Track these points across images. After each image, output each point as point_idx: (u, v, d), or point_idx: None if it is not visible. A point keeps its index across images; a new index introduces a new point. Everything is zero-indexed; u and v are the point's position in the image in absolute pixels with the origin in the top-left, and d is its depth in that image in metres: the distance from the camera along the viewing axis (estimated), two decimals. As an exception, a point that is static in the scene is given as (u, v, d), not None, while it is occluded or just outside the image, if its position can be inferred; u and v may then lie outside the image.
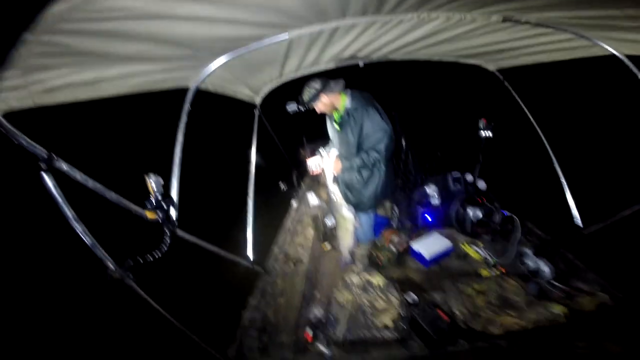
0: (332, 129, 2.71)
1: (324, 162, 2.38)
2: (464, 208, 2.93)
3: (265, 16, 1.40)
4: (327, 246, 3.51)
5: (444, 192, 3.28)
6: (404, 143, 3.13)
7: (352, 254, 2.80)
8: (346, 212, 2.43)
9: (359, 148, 2.44)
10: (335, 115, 2.55)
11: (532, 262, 2.61)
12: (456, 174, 3.31)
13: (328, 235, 3.21)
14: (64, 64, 1.11)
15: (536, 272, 2.58)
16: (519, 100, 2.96)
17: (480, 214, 2.82)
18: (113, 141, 7.47)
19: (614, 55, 1.98)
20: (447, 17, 1.78)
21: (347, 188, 2.69)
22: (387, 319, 2.20)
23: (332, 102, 2.44)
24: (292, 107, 2.45)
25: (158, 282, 1.87)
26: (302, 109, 2.45)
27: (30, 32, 0.86)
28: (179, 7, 1.07)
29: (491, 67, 2.99)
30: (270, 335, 2.15)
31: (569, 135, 4.84)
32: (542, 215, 3.09)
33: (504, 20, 1.80)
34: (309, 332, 2.31)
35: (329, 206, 2.77)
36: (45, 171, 1.11)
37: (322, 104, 2.44)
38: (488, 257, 3.06)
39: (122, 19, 1.01)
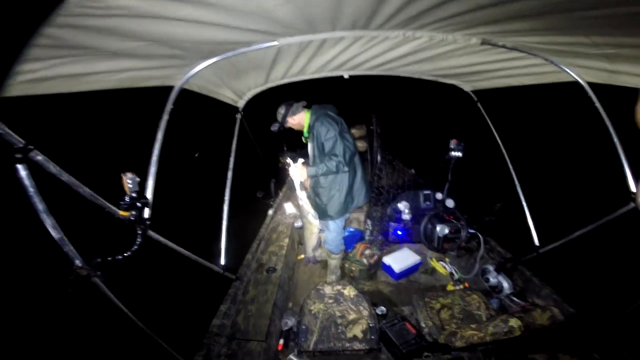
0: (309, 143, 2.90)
1: (292, 170, 2.54)
2: (433, 224, 3.04)
3: (257, 23, 1.42)
4: (302, 256, 3.53)
5: (414, 209, 3.40)
6: (379, 158, 3.22)
7: (314, 253, 3.18)
8: (312, 218, 2.67)
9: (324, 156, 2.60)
10: (304, 131, 2.82)
11: (493, 277, 2.75)
12: (427, 192, 3.45)
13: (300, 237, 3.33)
14: (55, 55, 1.09)
15: (496, 288, 2.73)
16: (489, 122, 3.13)
17: (447, 231, 2.95)
18: (92, 135, 7.14)
19: (577, 82, 2.13)
20: (430, 37, 1.87)
21: (315, 194, 2.80)
22: (357, 330, 2.23)
23: (299, 121, 2.78)
24: (274, 128, 2.82)
25: (126, 283, 1.79)
26: (281, 129, 2.83)
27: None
28: (176, 9, 1.08)
29: (466, 87, 3.15)
30: (240, 343, 2.10)
31: (532, 159, 5.19)
32: (503, 234, 3.25)
33: (482, 43, 1.92)
34: (281, 341, 2.32)
35: (297, 209, 2.89)
36: (20, 161, 1.07)
37: (291, 125, 2.82)
38: (454, 272, 3.21)
39: (123, 16, 1.01)
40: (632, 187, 2.02)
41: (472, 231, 3.00)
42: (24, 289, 3.86)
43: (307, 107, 2.80)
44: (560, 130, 7.10)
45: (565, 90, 2.29)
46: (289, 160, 2.61)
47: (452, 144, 3.06)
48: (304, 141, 2.87)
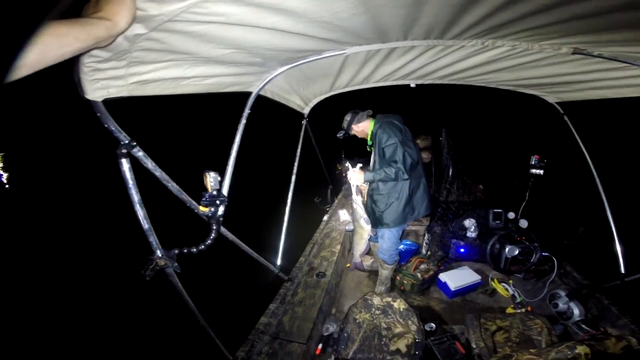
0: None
1: (350, 174, 2.55)
2: (501, 244, 2.86)
3: (331, 33, 1.44)
4: (349, 264, 3.54)
5: (482, 227, 3.21)
6: (451, 171, 3.08)
7: (363, 260, 3.11)
8: (364, 223, 2.65)
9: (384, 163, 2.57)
10: (368, 139, 2.83)
11: (563, 303, 2.54)
12: (497, 210, 3.22)
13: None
14: (160, 59, 1.19)
15: (565, 314, 2.51)
16: (577, 137, 2.80)
17: (516, 252, 2.76)
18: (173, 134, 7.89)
19: None
20: (512, 46, 1.73)
21: (373, 201, 2.78)
22: (401, 344, 2.16)
23: (363, 129, 2.81)
24: (340, 134, 2.92)
25: (188, 273, 1.94)
26: (346, 136, 2.92)
27: (143, 27, 0.93)
28: (265, 18, 1.14)
29: (551, 99, 2.85)
30: (282, 343, 2.16)
31: (628, 179, 4.56)
32: (583, 259, 2.95)
33: (575, 52, 1.72)
34: (319, 346, 2.34)
35: (351, 214, 2.95)
36: (125, 156, 1.20)
37: (356, 132, 2.87)
38: (516, 295, 3.01)
39: (220, 23, 1.09)
40: None
41: (545, 254, 2.78)
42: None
43: (373, 116, 2.80)
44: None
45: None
46: (347, 164, 2.63)
47: (534, 160, 2.83)
48: (368, 150, 2.88)
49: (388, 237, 2.84)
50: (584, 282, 2.72)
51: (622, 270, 2.47)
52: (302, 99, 2.95)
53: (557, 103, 2.88)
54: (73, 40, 0.68)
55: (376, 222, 2.77)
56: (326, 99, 3.10)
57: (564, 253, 2.83)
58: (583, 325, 2.38)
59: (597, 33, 1.49)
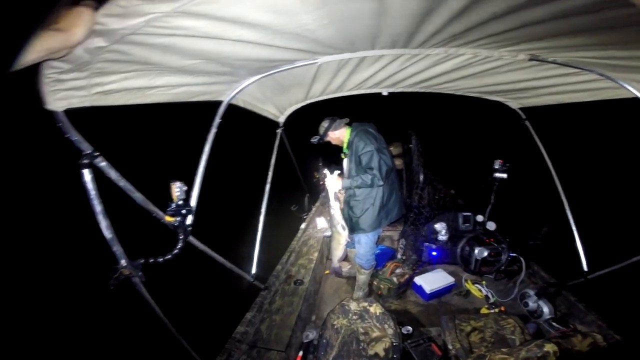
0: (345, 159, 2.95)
1: (327, 181, 2.61)
2: (471, 247, 2.95)
3: (301, 43, 1.48)
4: (327, 271, 3.55)
5: (452, 230, 3.30)
6: (421, 177, 3.17)
7: (341, 265, 3.22)
8: (341, 229, 2.69)
9: (361, 170, 2.64)
10: (344, 147, 2.90)
11: (533, 302, 2.63)
12: (466, 214, 3.33)
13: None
14: (124, 70, 1.19)
15: (535, 312, 2.60)
16: (538, 141, 2.96)
17: (485, 254, 2.84)
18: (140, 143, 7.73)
19: (638, 98, 1.94)
20: (474, 54, 1.82)
21: (349, 207, 2.84)
22: (379, 348, 2.15)
23: (339, 136, 2.87)
24: (314, 139, 2.95)
25: (160, 284, 1.90)
26: (321, 142, 2.96)
27: (104, 40, 0.93)
28: (230, 31, 1.15)
29: (513, 104, 3.01)
30: (260, 351, 2.14)
31: (585, 180, 4.81)
32: (549, 259, 3.08)
33: (531, 59, 1.83)
34: (300, 353, 2.30)
35: (329, 220, 2.99)
36: (87, 166, 1.18)
37: (331, 139, 2.93)
38: (489, 295, 3.09)
39: (184, 36, 1.10)
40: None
41: (513, 255, 2.89)
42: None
43: (349, 124, 2.87)
44: (618, 150, 6.53)
45: (626, 107, 2.10)
46: (325, 171, 2.68)
47: (497, 164, 2.94)
48: (342, 157, 2.94)
49: (365, 242, 2.89)
50: (550, 280, 2.83)
51: (585, 268, 2.60)
52: (277, 108, 2.97)
53: (519, 109, 3.04)
54: None
55: (353, 227, 2.82)
56: (303, 107, 3.13)
57: (531, 253, 2.95)
58: (554, 323, 2.47)
59: (550, 39, 1.58)
